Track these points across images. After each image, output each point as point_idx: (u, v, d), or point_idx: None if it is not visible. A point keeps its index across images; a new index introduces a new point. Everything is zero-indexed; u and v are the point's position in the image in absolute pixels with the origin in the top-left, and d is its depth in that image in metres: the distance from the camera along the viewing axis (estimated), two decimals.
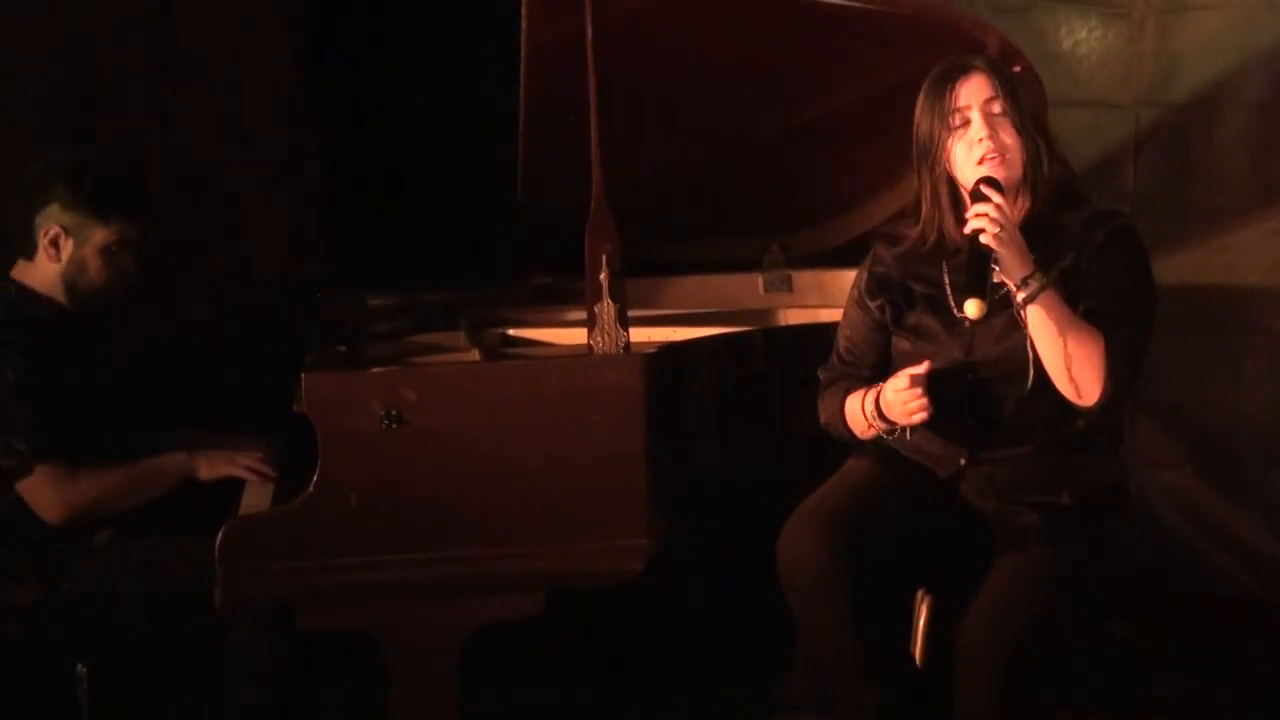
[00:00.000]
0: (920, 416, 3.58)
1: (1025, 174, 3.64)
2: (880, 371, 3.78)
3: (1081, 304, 3.56)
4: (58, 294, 4.15)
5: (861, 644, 3.61)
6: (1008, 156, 3.61)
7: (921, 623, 3.77)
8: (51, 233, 4.10)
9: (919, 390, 3.56)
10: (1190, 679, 4.79)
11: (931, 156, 3.67)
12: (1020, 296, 3.49)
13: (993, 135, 3.60)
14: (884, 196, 4.60)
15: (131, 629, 4.04)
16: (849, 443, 3.82)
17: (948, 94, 3.64)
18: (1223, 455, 5.01)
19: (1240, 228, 4.94)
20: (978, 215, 3.49)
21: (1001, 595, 3.52)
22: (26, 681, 4.16)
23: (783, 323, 4.63)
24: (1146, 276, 3.66)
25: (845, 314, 3.92)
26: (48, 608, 4.02)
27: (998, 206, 3.49)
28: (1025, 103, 3.64)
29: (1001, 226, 3.47)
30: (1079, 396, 3.53)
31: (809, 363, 3.93)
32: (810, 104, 4.42)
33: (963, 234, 3.55)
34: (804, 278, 4.84)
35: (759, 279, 4.85)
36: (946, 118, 3.64)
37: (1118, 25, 5.03)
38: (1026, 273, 3.48)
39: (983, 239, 3.47)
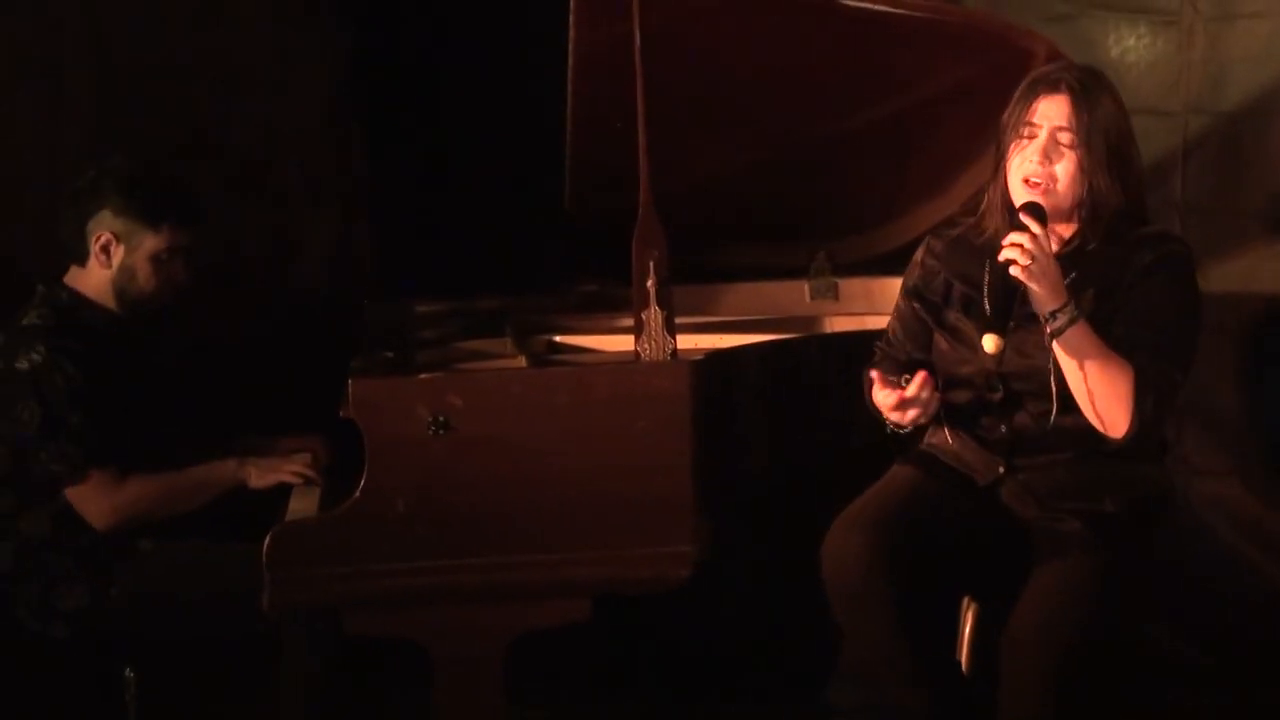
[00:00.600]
0: (910, 415, 3.61)
1: (1078, 206, 3.61)
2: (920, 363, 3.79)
3: (1117, 326, 3.55)
4: (108, 300, 4.17)
5: (907, 650, 3.60)
6: (1054, 187, 3.59)
7: (968, 630, 3.76)
8: (103, 239, 4.12)
9: (894, 398, 3.59)
10: (1237, 688, 4.77)
11: (1000, 155, 3.67)
12: (1049, 330, 3.49)
13: (1045, 161, 3.58)
14: (931, 204, 4.58)
15: (178, 634, 4.06)
16: (894, 434, 3.81)
17: (1030, 103, 3.62)
18: (1271, 464, 4.99)
19: None
20: (1011, 245, 3.46)
21: (1048, 601, 3.51)
22: (74, 685, 4.18)
23: (829, 330, 4.62)
24: (1191, 307, 3.63)
25: (896, 302, 3.94)
26: (95, 611, 4.04)
27: (1034, 237, 3.46)
28: (1104, 137, 3.58)
29: (1034, 259, 3.44)
30: (1105, 428, 3.54)
31: (855, 370, 3.92)
32: (859, 111, 4.41)
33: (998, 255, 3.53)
34: (850, 285, 4.83)
35: (805, 286, 4.85)
36: (1019, 125, 3.63)
37: (1167, 33, 5.00)
38: (1056, 307, 3.48)
39: (1013, 270, 3.45)
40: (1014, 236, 3.48)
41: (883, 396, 3.62)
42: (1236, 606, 4.92)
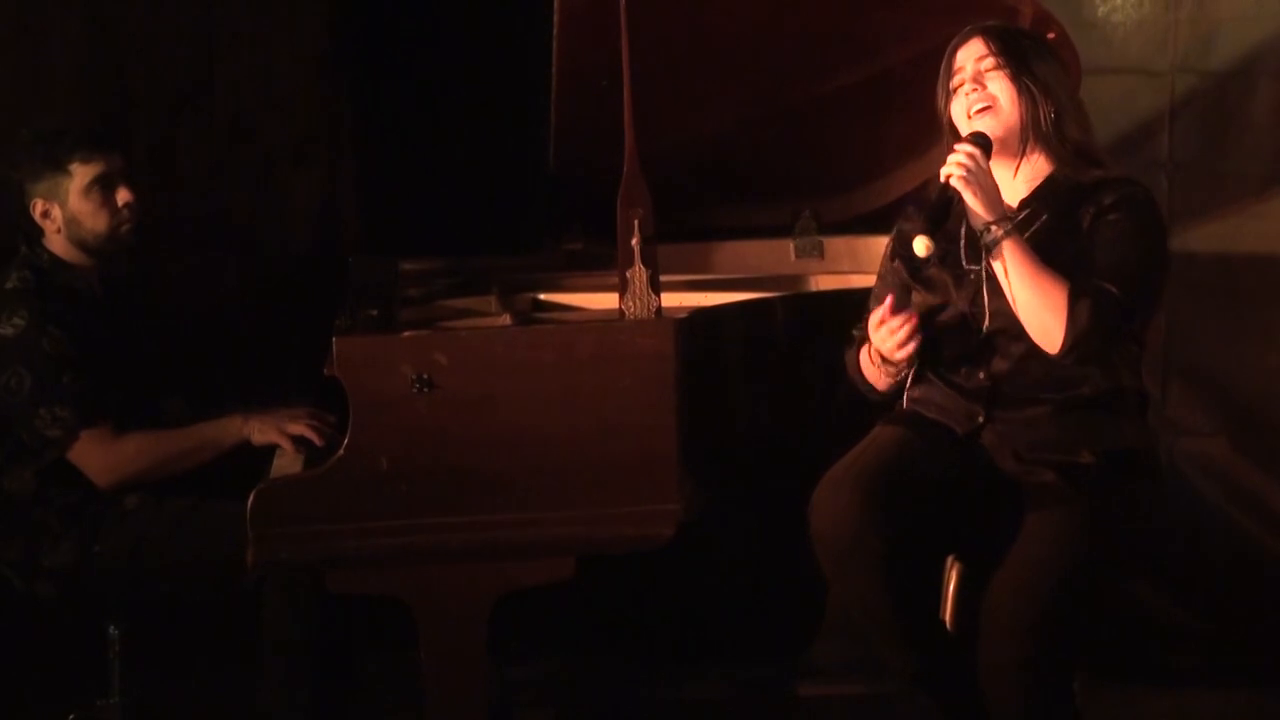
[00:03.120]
0: (909, 347, 3.63)
1: (1029, 128, 3.67)
2: None
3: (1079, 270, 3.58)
4: (80, 259, 4.19)
5: (894, 607, 3.61)
6: (997, 104, 3.67)
7: (951, 588, 3.77)
8: (38, 208, 4.19)
9: (893, 322, 3.62)
10: (1219, 646, 4.79)
11: (945, 122, 3.76)
12: (984, 242, 3.58)
13: (978, 87, 3.67)
14: (917, 162, 4.58)
15: (163, 591, 4.06)
16: (877, 401, 3.83)
17: (951, 60, 3.73)
18: (1254, 423, 5.00)
19: (1275, 196, 4.91)
20: (950, 161, 3.57)
21: (1025, 557, 3.52)
22: (59, 641, 4.19)
23: (815, 288, 4.62)
24: (1145, 241, 3.64)
25: (877, 275, 3.97)
26: (80, 568, 4.04)
27: (970, 154, 3.57)
28: (1033, 62, 3.67)
29: (970, 171, 3.54)
30: (1044, 344, 3.57)
31: (841, 328, 3.93)
32: (845, 70, 4.41)
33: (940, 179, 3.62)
34: (836, 244, 4.82)
35: (791, 245, 4.84)
36: (948, 83, 3.73)
37: None
38: (993, 219, 3.56)
39: (952, 181, 3.56)
40: (955, 152, 3.58)
41: (884, 332, 3.65)
42: (1220, 566, 4.94)
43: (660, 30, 3.90)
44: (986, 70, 3.67)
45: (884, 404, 3.86)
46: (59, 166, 4.16)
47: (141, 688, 4.15)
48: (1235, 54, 4.94)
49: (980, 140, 3.63)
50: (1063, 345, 3.53)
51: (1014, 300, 3.57)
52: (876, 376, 3.81)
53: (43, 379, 4.04)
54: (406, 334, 3.92)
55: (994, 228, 3.56)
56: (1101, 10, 5.05)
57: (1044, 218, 3.68)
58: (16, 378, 4.03)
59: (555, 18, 4.03)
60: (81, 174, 4.16)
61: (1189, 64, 5.00)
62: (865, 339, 3.80)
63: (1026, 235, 3.63)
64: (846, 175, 4.73)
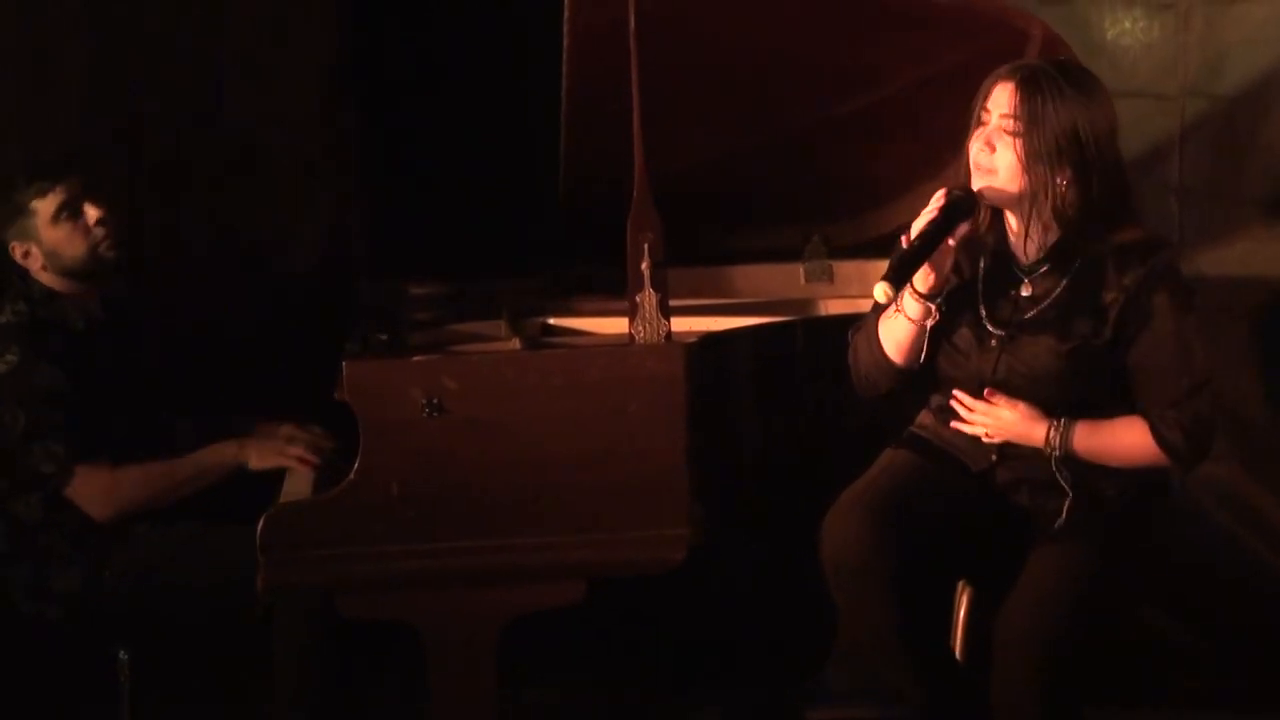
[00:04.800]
0: (934, 212, 3.57)
1: (1028, 201, 3.58)
2: None
3: (1131, 355, 3.57)
4: (72, 287, 4.19)
5: (905, 632, 3.60)
6: (995, 176, 3.57)
7: (962, 615, 3.76)
8: (17, 251, 4.19)
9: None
10: (1229, 670, 4.78)
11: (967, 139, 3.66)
12: (1055, 455, 3.59)
13: (988, 148, 3.58)
14: (927, 187, 4.55)
15: (172, 615, 4.06)
16: (884, 392, 3.80)
17: (989, 89, 3.61)
18: (1266, 448, 4.99)
19: None
20: (974, 432, 3.66)
21: (1040, 586, 3.52)
22: (68, 667, 4.18)
23: (824, 313, 4.61)
24: (1184, 328, 3.57)
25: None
26: (89, 593, 4.04)
27: (982, 414, 3.63)
28: (1058, 123, 3.51)
29: (992, 426, 3.62)
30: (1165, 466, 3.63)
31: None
32: (855, 94, 4.40)
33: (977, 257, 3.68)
34: (845, 268, 4.82)
35: (800, 269, 4.84)
36: (978, 111, 3.62)
37: (1163, 17, 5.00)
38: (1044, 435, 3.58)
39: (986, 440, 3.65)
40: (964, 420, 3.66)
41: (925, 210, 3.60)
42: (1232, 590, 4.93)
43: (669, 55, 3.90)
44: (1004, 130, 3.55)
45: (893, 428, 3.85)
46: (20, 209, 4.15)
47: (151, 713, 4.14)
48: (1245, 78, 4.94)
49: (961, 204, 3.57)
50: (1183, 470, 3.65)
51: (1114, 465, 3.61)
52: (894, 336, 3.71)
53: (36, 416, 4.04)
54: (416, 358, 3.91)
55: (1052, 435, 3.57)
56: (1111, 34, 5.05)
57: (1061, 286, 3.61)
58: (10, 415, 4.04)
59: (565, 41, 4.03)
60: (44, 207, 4.14)
61: (1199, 88, 4.99)
62: (877, 314, 3.76)
63: (1047, 302, 3.60)
64: (856, 199, 4.72)
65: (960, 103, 3.74)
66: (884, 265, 4.37)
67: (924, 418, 3.83)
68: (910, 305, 3.64)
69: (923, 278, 3.58)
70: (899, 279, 3.49)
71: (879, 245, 4.70)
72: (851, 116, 4.46)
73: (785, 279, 4.83)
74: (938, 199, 3.57)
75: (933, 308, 3.62)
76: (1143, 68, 5.05)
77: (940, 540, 3.63)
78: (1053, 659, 3.47)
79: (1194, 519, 4.95)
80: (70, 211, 4.16)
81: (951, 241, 3.58)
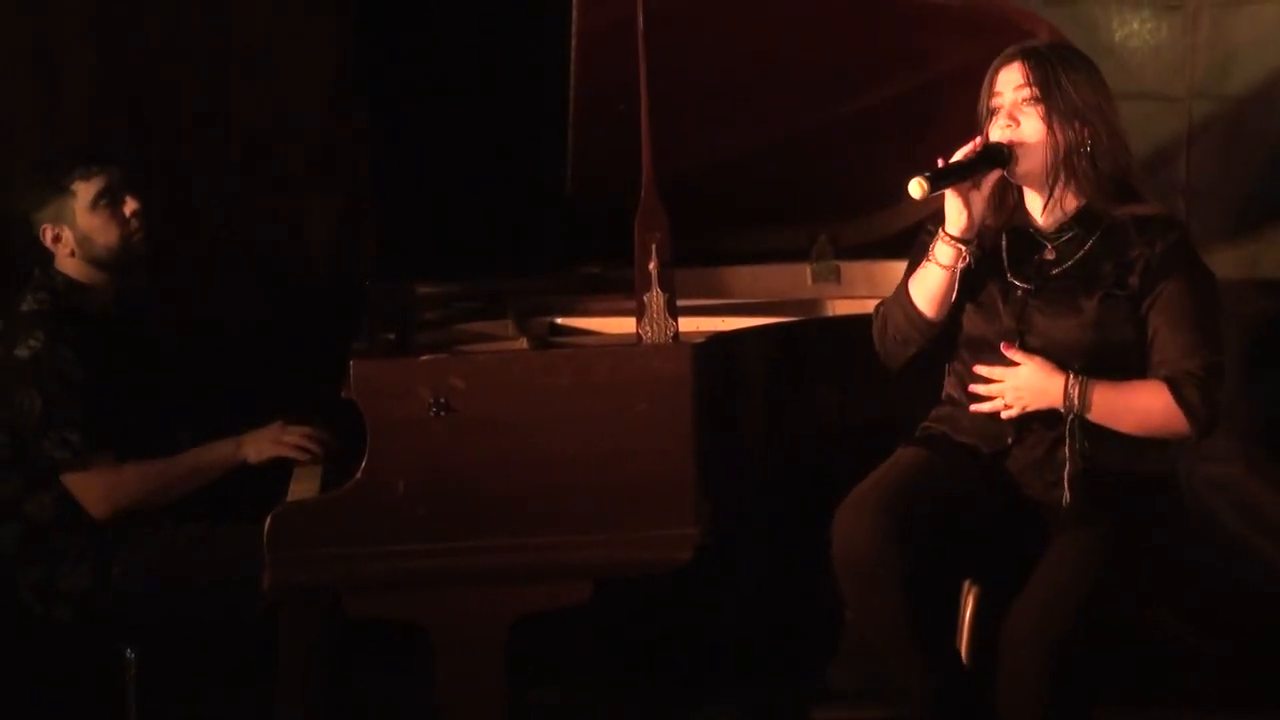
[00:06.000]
0: (971, 150, 3.62)
1: (1059, 166, 3.64)
2: None
3: (1154, 310, 3.61)
4: (96, 279, 4.20)
5: (914, 630, 3.60)
6: (1026, 143, 3.63)
7: (968, 614, 3.76)
8: (48, 234, 4.20)
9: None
10: (1237, 670, 4.78)
11: (983, 137, 3.69)
12: (1073, 410, 3.61)
13: (1012, 122, 3.65)
14: None
15: (179, 614, 4.06)
16: (909, 352, 3.82)
17: (993, 80, 3.69)
18: (1274, 448, 4.99)
19: None
20: (991, 404, 3.69)
21: (1048, 578, 3.53)
22: (76, 666, 4.18)
23: (831, 313, 4.61)
24: (1204, 299, 3.65)
25: (915, 245, 3.91)
26: (97, 593, 4.04)
27: (1001, 376, 3.65)
28: (1072, 92, 3.62)
29: (1012, 399, 3.66)
30: (1176, 439, 3.66)
31: (857, 353, 3.92)
32: (862, 94, 4.41)
33: (998, 227, 3.70)
34: (852, 269, 4.82)
35: (807, 269, 4.84)
36: (988, 104, 3.70)
37: (1171, 18, 5.00)
38: (1062, 392, 3.61)
39: (1005, 414, 3.66)
40: (983, 404, 3.70)
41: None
42: (1238, 590, 4.93)
43: (677, 54, 3.90)
44: (1022, 102, 3.63)
45: (904, 427, 3.85)
46: (62, 188, 4.18)
47: (157, 712, 4.14)
48: (1252, 79, 4.94)
49: (997, 154, 3.62)
50: (1195, 435, 3.62)
51: (1128, 428, 3.62)
52: (925, 287, 3.74)
53: (53, 402, 4.04)
54: (424, 357, 3.91)
55: (1071, 391, 3.59)
56: (1118, 35, 5.05)
57: (1086, 248, 3.66)
58: (29, 399, 4.04)
59: (573, 41, 4.03)
60: (85, 191, 4.17)
61: (1206, 89, 4.99)
62: (905, 281, 3.80)
63: (1071, 262, 3.66)
64: (863, 200, 4.73)
65: (968, 103, 3.75)
66: (891, 266, 4.45)
67: (939, 410, 3.83)
68: (942, 251, 3.69)
69: (955, 217, 3.65)
70: (934, 182, 3.55)
71: (886, 246, 4.71)
72: (859, 117, 4.47)
73: (792, 279, 4.84)
74: (975, 142, 3.64)
75: (964, 250, 3.67)
76: (1150, 69, 5.04)
77: (950, 537, 3.64)
78: (1060, 659, 3.46)
79: (1202, 520, 4.95)
80: (110, 199, 4.19)
81: (985, 190, 3.65)
